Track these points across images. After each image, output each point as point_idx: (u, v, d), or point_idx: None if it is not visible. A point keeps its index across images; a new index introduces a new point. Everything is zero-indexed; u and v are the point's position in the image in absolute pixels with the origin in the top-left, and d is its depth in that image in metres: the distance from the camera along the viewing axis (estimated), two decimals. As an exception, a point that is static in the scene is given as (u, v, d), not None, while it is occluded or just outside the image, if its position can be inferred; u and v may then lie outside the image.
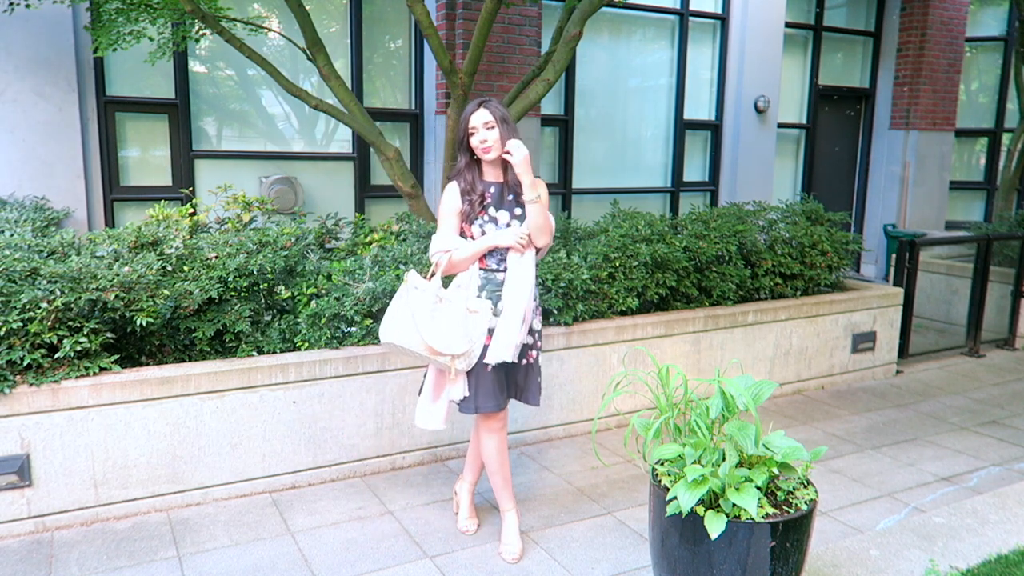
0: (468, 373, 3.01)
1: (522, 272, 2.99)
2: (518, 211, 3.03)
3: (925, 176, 9.61)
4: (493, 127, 2.95)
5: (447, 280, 3.08)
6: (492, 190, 3.03)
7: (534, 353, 3.13)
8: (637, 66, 8.16)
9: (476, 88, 6.46)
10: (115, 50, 5.10)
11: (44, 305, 3.09)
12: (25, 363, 3.12)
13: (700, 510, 2.34)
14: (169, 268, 3.81)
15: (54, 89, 5.54)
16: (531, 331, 3.09)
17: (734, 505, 2.31)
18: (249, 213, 5.09)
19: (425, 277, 3.00)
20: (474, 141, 2.97)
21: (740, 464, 2.44)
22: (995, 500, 3.42)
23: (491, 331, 2.97)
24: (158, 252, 3.90)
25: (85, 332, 3.22)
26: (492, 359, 2.93)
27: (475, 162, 3.04)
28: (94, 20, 5.28)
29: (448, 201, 3.04)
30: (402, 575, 3.02)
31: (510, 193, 3.04)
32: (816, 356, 5.42)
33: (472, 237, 3.04)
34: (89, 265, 3.36)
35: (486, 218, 3.02)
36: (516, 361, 3.06)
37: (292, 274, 4.13)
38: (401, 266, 4.02)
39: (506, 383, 3.10)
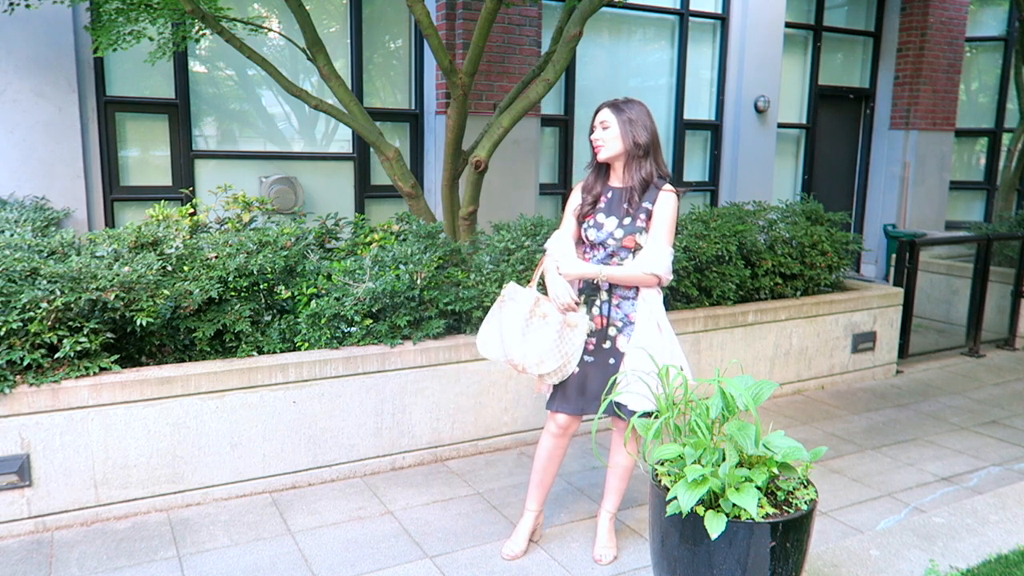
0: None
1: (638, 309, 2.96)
2: (627, 220, 2.91)
3: (925, 176, 9.61)
4: (608, 127, 2.91)
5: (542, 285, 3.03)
6: (610, 194, 2.97)
7: (612, 360, 2.99)
8: (637, 66, 8.16)
9: (476, 88, 6.47)
10: (115, 50, 5.10)
11: (44, 305, 3.09)
12: (25, 363, 3.12)
13: (700, 510, 2.33)
14: (169, 268, 3.81)
15: (54, 89, 5.54)
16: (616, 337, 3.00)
17: (734, 505, 2.31)
18: (249, 213, 5.09)
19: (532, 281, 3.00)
20: (592, 139, 2.96)
21: (740, 464, 2.44)
22: (995, 500, 3.42)
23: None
24: (158, 252, 3.90)
25: (85, 332, 3.22)
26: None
27: (603, 163, 2.99)
28: (94, 20, 5.28)
29: (570, 199, 3.08)
30: (402, 575, 3.02)
31: (626, 200, 2.93)
32: (816, 356, 5.42)
33: (582, 238, 3.03)
34: (89, 265, 3.36)
35: (592, 222, 2.97)
36: (594, 370, 3.00)
37: (292, 274, 4.13)
38: (401, 266, 4.01)
39: (585, 389, 3.01)
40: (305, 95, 4.88)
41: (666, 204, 2.90)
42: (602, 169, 3.02)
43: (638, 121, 2.92)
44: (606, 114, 2.93)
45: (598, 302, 2.98)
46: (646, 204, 2.90)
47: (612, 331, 2.97)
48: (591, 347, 2.99)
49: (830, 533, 3.39)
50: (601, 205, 2.98)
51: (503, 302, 2.94)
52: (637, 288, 2.93)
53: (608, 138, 2.92)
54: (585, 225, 3.00)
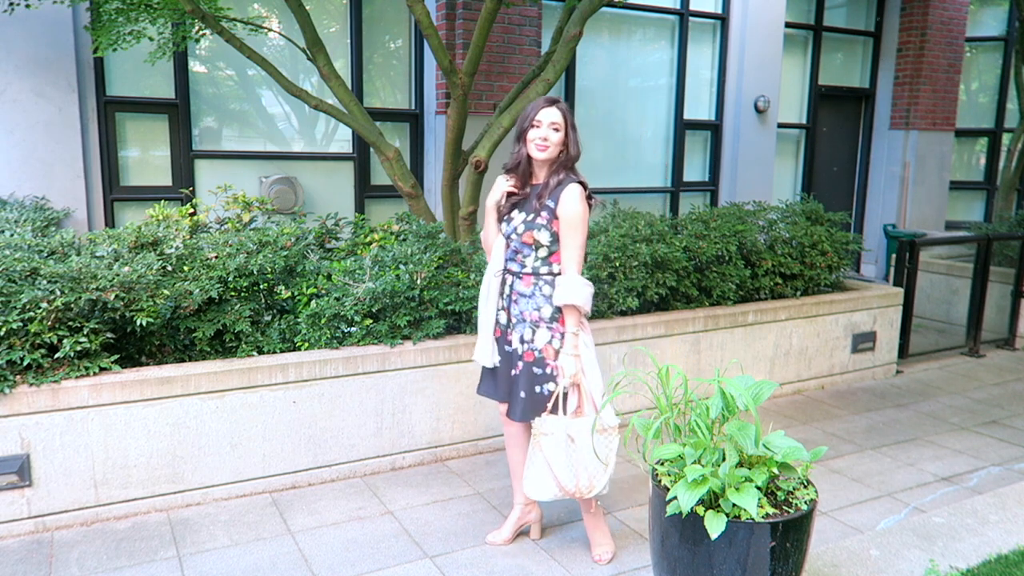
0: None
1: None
2: (531, 217, 2.92)
3: (925, 176, 9.61)
4: (559, 129, 2.89)
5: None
6: (528, 190, 3.00)
7: (520, 365, 2.99)
8: (637, 66, 8.16)
9: (476, 88, 6.46)
10: (115, 50, 5.10)
11: (44, 305, 3.09)
12: (25, 363, 3.12)
13: (700, 510, 2.33)
14: (169, 268, 3.81)
15: (54, 89, 5.54)
16: (522, 340, 2.99)
17: (734, 505, 2.31)
18: (249, 213, 5.09)
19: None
20: (532, 134, 2.89)
21: (740, 464, 2.44)
22: (995, 500, 3.42)
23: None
24: (158, 252, 3.90)
25: (85, 332, 3.22)
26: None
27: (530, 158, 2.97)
28: (94, 20, 5.28)
29: (492, 191, 3.08)
30: (402, 575, 3.02)
31: (535, 197, 2.95)
32: (816, 356, 5.42)
33: (501, 233, 3.04)
34: (89, 265, 3.36)
35: (508, 216, 3.01)
36: (502, 366, 3.07)
37: (292, 274, 4.13)
38: (401, 266, 4.01)
39: (500, 385, 3.11)
40: (305, 95, 4.88)
41: (570, 202, 2.86)
42: (527, 163, 2.98)
43: (576, 131, 2.96)
44: (557, 115, 2.90)
45: (504, 295, 3.03)
46: (549, 202, 2.90)
47: (511, 327, 3.02)
48: (498, 334, 3.07)
49: (830, 533, 3.39)
50: (518, 201, 2.99)
51: (538, 437, 2.90)
52: (537, 288, 2.94)
53: (556, 141, 2.90)
54: (505, 218, 3.02)
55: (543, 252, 2.93)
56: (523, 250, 2.95)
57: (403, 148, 6.96)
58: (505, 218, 3.02)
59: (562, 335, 2.92)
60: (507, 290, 3.00)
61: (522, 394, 2.98)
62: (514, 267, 2.98)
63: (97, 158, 5.84)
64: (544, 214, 2.90)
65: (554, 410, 2.92)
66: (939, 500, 3.74)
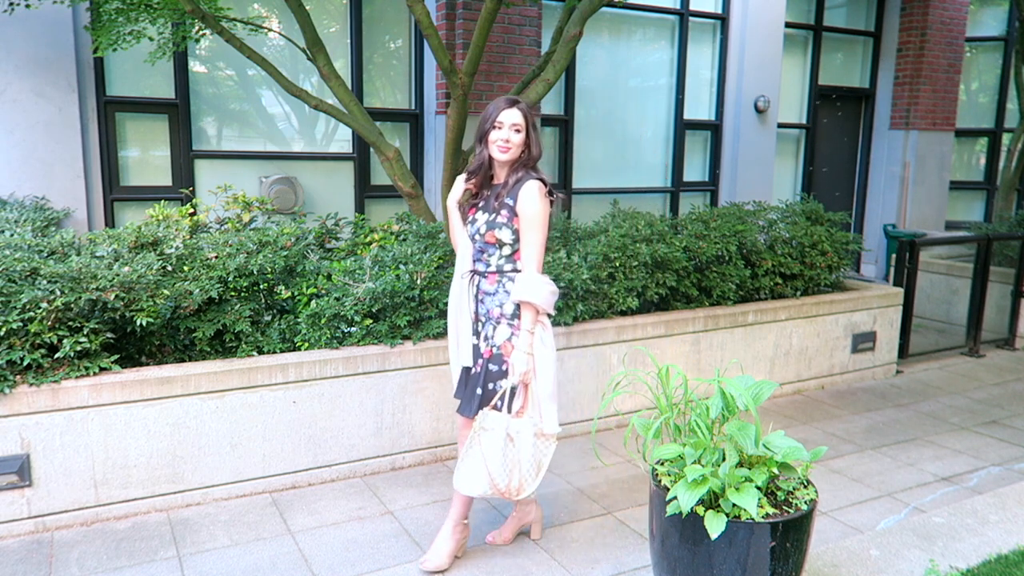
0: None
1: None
2: (491, 216, 2.92)
3: (925, 176, 9.61)
4: (521, 131, 2.88)
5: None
6: (489, 191, 3.00)
7: (480, 362, 2.98)
8: (637, 66, 8.16)
9: (476, 88, 6.46)
10: (115, 50, 5.10)
11: (44, 305, 3.09)
12: (25, 363, 3.12)
13: (700, 510, 2.33)
14: (169, 268, 3.81)
15: (54, 89, 5.54)
16: (484, 337, 2.98)
17: (734, 505, 2.31)
18: (249, 213, 5.09)
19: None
20: (494, 136, 2.88)
21: (740, 464, 2.44)
22: (995, 500, 3.42)
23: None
24: (158, 252, 3.90)
25: (85, 332, 3.22)
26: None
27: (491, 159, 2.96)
28: (94, 20, 5.28)
29: (451, 191, 3.07)
30: (402, 575, 3.02)
31: (495, 196, 2.94)
32: (816, 356, 5.42)
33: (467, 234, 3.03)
34: (89, 265, 3.36)
35: (472, 216, 3.00)
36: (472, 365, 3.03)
37: (292, 274, 4.13)
38: (401, 266, 4.01)
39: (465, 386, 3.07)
40: (305, 95, 4.88)
41: (529, 199, 2.85)
42: (489, 165, 2.96)
43: (538, 131, 2.94)
44: (518, 117, 2.88)
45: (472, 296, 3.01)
46: (509, 200, 2.89)
47: (480, 326, 2.99)
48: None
49: (830, 533, 3.39)
50: (480, 202, 2.99)
51: (479, 432, 2.86)
52: (500, 286, 2.93)
53: (518, 142, 2.88)
54: (469, 220, 3.01)
55: (507, 250, 2.92)
56: (487, 250, 2.94)
57: (403, 148, 6.96)
58: (469, 219, 3.01)
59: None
60: (475, 290, 2.99)
61: (478, 390, 2.96)
62: (480, 267, 2.97)
63: (97, 158, 5.84)
64: (504, 212, 2.89)
65: (499, 406, 2.89)
66: (939, 500, 3.74)
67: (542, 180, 2.90)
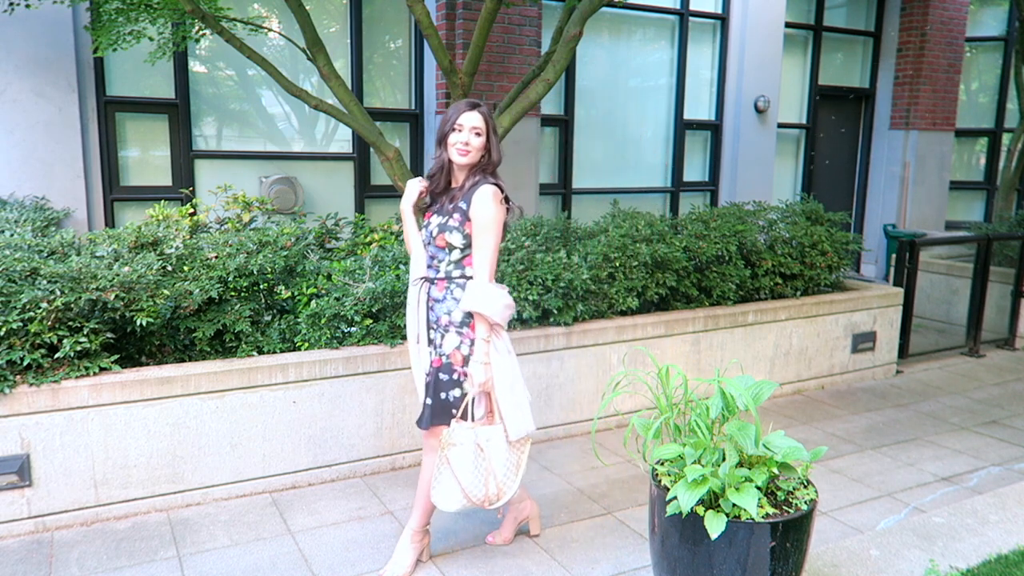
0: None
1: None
2: (443, 219, 2.85)
3: (925, 176, 9.61)
4: (481, 134, 2.83)
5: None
6: (444, 195, 2.93)
7: (430, 370, 2.90)
8: (637, 66, 8.16)
9: (476, 88, 6.46)
10: (115, 50, 5.10)
11: (44, 305, 3.09)
12: (25, 363, 3.12)
13: (700, 510, 2.33)
14: (169, 268, 3.81)
15: (54, 89, 5.54)
16: (433, 345, 2.91)
17: (734, 505, 2.31)
18: (249, 213, 5.09)
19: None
20: (453, 138, 2.82)
21: (740, 464, 2.44)
22: (995, 500, 3.42)
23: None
24: (158, 252, 3.90)
25: (85, 332, 3.22)
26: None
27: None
28: (94, 20, 5.28)
29: (405, 194, 3.00)
30: (402, 575, 3.02)
31: (451, 200, 2.87)
32: (816, 356, 5.42)
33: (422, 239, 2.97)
34: (89, 265, 3.36)
35: (427, 220, 2.93)
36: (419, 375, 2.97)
37: (292, 274, 4.13)
38: (401, 266, 4.01)
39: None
40: (305, 95, 4.88)
41: (482, 203, 2.77)
42: (449, 168, 2.91)
43: (498, 136, 2.89)
44: (478, 120, 2.82)
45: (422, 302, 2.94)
46: (462, 204, 2.81)
47: (430, 333, 2.92)
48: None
49: (830, 533, 3.39)
50: (437, 205, 2.93)
51: (446, 447, 2.80)
52: (448, 292, 2.85)
53: (478, 146, 2.82)
54: (424, 224, 2.95)
55: (455, 255, 2.84)
56: (438, 254, 2.87)
57: (403, 148, 6.96)
58: (424, 223, 2.95)
59: (472, 341, 2.81)
60: (425, 296, 2.91)
61: (428, 400, 2.88)
62: (430, 273, 2.90)
63: (97, 158, 5.84)
64: (457, 216, 2.81)
65: (463, 417, 2.83)
66: (939, 500, 3.74)
67: (498, 185, 2.84)
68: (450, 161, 2.87)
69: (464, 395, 2.85)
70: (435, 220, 2.89)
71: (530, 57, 6.79)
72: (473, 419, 2.84)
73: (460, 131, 2.82)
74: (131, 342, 3.58)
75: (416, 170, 7.03)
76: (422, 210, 3.03)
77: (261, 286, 3.96)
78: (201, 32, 5.25)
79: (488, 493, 2.82)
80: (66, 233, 4.02)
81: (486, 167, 2.87)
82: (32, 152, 5.52)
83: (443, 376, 2.86)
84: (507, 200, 2.88)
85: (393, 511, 3.52)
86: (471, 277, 2.84)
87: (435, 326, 2.89)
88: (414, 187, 2.98)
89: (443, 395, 2.87)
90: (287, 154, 6.59)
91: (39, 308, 3.09)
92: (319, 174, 6.69)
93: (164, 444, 3.42)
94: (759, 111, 8.50)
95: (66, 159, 5.62)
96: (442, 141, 2.87)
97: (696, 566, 2.37)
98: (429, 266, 2.91)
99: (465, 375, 2.84)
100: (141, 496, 3.41)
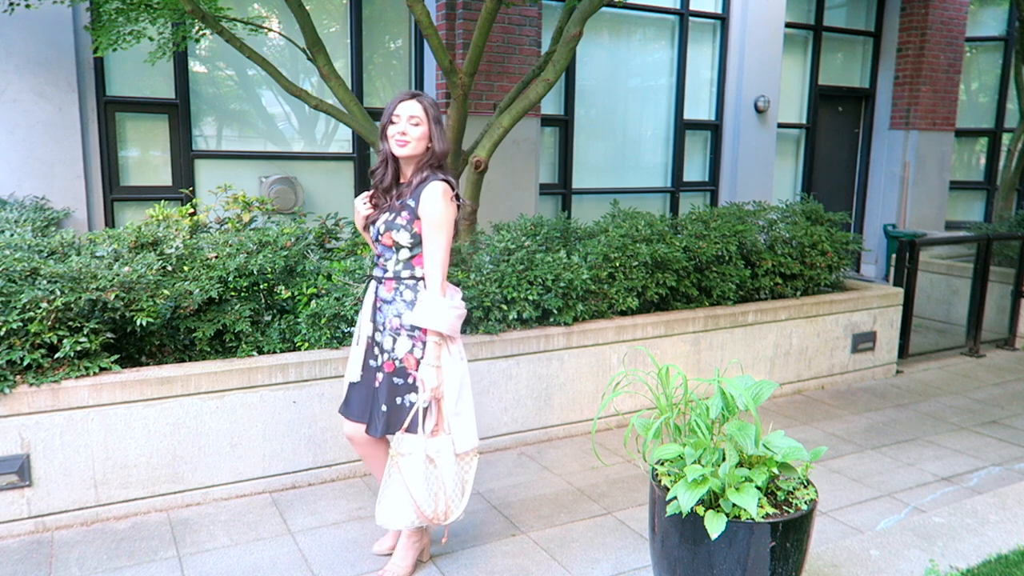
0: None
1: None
2: (390, 216, 2.73)
3: (925, 176, 9.61)
4: (419, 124, 2.69)
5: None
6: (394, 191, 2.80)
7: (380, 376, 2.79)
8: (637, 66, 8.16)
9: (476, 88, 6.46)
10: (115, 50, 5.10)
11: (44, 305, 3.09)
12: (25, 363, 3.12)
13: (700, 510, 2.34)
14: (169, 268, 3.81)
15: (54, 89, 5.54)
16: (382, 349, 2.79)
17: (734, 505, 2.31)
18: (249, 213, 5.09)
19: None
20: (391, 130, 2.70)
21: (740, 464, 2.44)
22: (995, 500, 3.42)
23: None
24: (158, 252, 3.90)
25: (85, 332, 3.22)
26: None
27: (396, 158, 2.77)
28: (94, 20, 5.28)
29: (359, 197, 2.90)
30: (402, 575, 3.01)
31: (399, 197, 2.74)
32: (816, 356, 5.42)
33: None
34: (89, 265, 3.36)
35: (375, 218, 2.79)
36: (364, 380, 2.85)
37: (292, 274, 4.13)
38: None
39: (355, 401, 2.88)
40: (305, 95, 4.88)
41: (431, 201, 2.65)
42: (395, 162, 2.78)
43: (443, 126, 2.76)
44: (416, 108, 2.69)
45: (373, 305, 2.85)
46: (410, 201, 2.69)
47: (379, 336, 2.81)
48: (368, 346, 2.85)
49: (830, 533, 3.39)
50: (385, 202, 2.79)
51: (395, 458, 2.70)
52: (397, 293, 2.75)
53: (417, 136, 2.69)
54: (372, 221, 2.83)
55: (404, 254, 2.73)
56: (385, 253, 2.76)
57: (403, 148, 6.95)
58: (371, 220, 2.81)
59: (425, 344, 2.70)
60: (373, 297, 2.82)
61: (383, 407, 2.76)
62: (378, 272, 2.79)
63: (97, 158, 5.84)
64: (405, 214, 2.69)
65: (412, 427, 2.71)
66: (939, 500, 3.74)
67: (448, 181, 2.71)
68: (393, 154, 2.74)
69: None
70: (382, 217, 2.75)
71: (530, 57, 6.80)
72: (424, 430, 2.70)
73: (397, 122, 2.70)
74: (131, 342, 3.58)
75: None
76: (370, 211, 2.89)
77: (261, 286, 3.96)
78: (201, 32, 5.25)
79: (438, 509, 2.70)
80: (66, 233, 4.02)
81: (431, 160, 2.74)
82: (32, 152, 5.52)
83: (397, 380, 2.75)
84: (458, 197, 2.77)
85: (393, 511, 3.52)
86: (420, 278, 2.73)
87: (383, 328, 2.77)
88: (359, 206, 2.86)
89: (399, 400, 2.76)
90: (287, 154, 6.59)
91: (39, 308, 3.09)
92: (319, 174, 6.69)
93: (164, 444, 3.42)
94: (759, 111, 8.51)
95: (66, 159, 5.62)
96: (382, 134, 2.75)
97: (696, 566, 2.37)
98: (376, 264, 2.81)
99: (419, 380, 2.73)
100: (141, 496, 3.41)
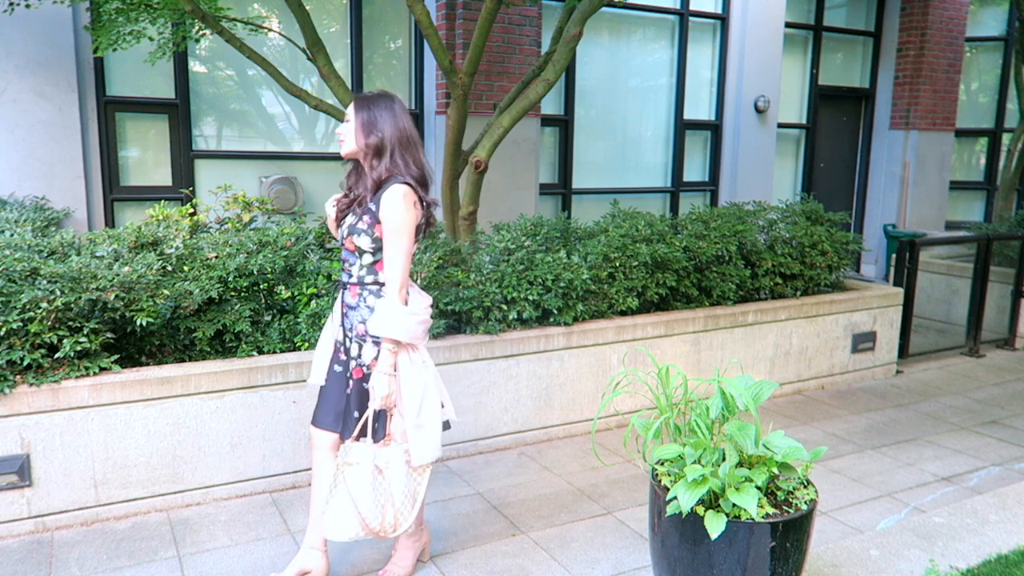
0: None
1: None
2: (353, 220, 2.67)
3: (925, 176, 9.61)
4: (348, 120, 2.68)
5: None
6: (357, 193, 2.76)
7: (351, 383, 2.75)
8: (637, 66, 8.16)
9: (476, 88, 6.46)
10: (115, 50, 5.10)
11: (44, 305, 3.09)
12: (25, 363, 3.12)
13: (700, 510, 2.34)
14: (169, 268, 3.81)
15: (54, 89, 5.54)
16: (350, 355, 2.74)
17: (734, 505, 2.31)
18: (249, 213, 5.10)
19: None
20: (337, 129, 2.72)
21: (740, 464, 2.44)
22: (995, 500, 3.42)
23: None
24: (158, 252, 3.90)
25: (85, 332, 3.22)
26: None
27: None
28: (94, 20, 5.28)
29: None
30: (402, 575, 3.01)
31: (361, 203, 2.68)
32: (816, 356, 5.42)
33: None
34: (89, 265, 3.36)
35: (342, 220, 2.76)
36: (333, 386, 2.80)
37: (292, 274, 4.13)
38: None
39: (326, 407, 2.83)
40: (305, 95, 4.88)
41: (390, 204, 2.56)
42: (357, 164, 2.76)
43: (376, 120, 2.63)
44: (350, 108, 2.69)
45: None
46: (372, 205, 2.63)
47: (347, 342, 2.76)
48: (338, 352, 2.81)
49: (830, 533, 3.39)
50: (348, 206, 2.76)
51: (342, 467, 2.59)
52: (361, 299, 2.69)
53: (346, 133, 2.68)
54: (339, 224, 2.79)
55: (367, 259, 2.66)
56: (349, 258, 2.71)
57: (403, 148, 6.95)
58: (341, 223, 2.76)
59: None
60: (340, 302, 2.78)
61: (356, 414, 2.71)
62: (343, 277, 2.74)
63: (97, 158, 5.84)
64: (366, 218, 2.63)
65: (361, 436, 2.63)
66: (939, 500, 3.74)
67: (409, 184, 2.62)
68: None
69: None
70: (347, 221, 2.71)
71: (530, 57, 6.80)
72: (374, 439, 2.63)
73: (342, 122, 2.75)
74: (131, 342, 3.58)
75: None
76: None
77: (261, 286, 3.96)
78: (201, 32, 5.25)
79: (384, 522, 2.59)
80: (66, 233, 4.02)
81: (366, 153, 2.66)
82: (32, 152, 5.52)
83: (367, 386, 2.70)
84: (422, 201, 2.69)
85: (393, 511, 3.52)
86: (384, 283, 2.67)
87: (350, 334, 2.72)
88: (328, 209, 2.83)
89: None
90: (287, 154, 6.59)
91: (39, 308, 3.09)
92: (319, 174, 6.69)
93: (164, 444, 3.42)
94: (759, 111, 8.51)
95: (66, 159, 5.62)
96: None
97: (696, 566, 2.37)
98: (342, 269, 2.76)
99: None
100: (141, 496, 3.41)
